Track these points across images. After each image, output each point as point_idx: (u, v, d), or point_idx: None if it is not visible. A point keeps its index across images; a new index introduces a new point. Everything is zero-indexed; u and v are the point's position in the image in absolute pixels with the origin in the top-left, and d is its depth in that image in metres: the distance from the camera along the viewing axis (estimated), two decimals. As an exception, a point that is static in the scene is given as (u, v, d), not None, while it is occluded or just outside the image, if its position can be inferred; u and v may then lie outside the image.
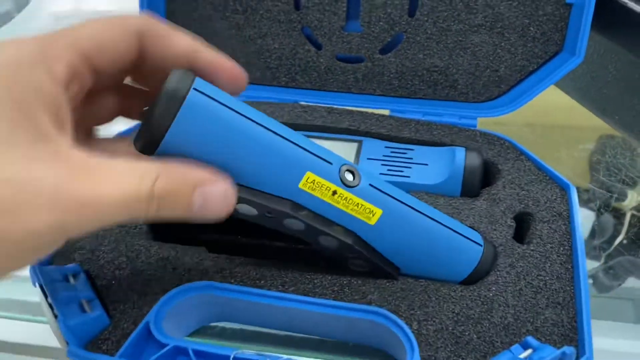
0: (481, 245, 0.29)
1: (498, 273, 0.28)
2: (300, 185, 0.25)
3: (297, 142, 0.25)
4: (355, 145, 0.36)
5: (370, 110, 0.40)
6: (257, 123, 0.24)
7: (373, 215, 0.26)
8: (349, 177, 0.26)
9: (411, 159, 0.35)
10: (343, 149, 0.36)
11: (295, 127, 0.38)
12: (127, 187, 0.20)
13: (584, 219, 0.44)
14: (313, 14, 0.41)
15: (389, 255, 0.28)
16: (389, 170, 0.34)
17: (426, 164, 0.34)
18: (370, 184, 0.26)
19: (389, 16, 0.40)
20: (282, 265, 0.28)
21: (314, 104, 0.40)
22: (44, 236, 0.19)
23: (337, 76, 0.42)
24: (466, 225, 0.30)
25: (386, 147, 0.36)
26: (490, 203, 0.32)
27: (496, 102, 0.40)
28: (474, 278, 0.28)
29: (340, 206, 0.26)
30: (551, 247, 0.29)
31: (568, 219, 0.31)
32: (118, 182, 0.20)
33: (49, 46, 0.21)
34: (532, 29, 0.39)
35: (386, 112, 0.40)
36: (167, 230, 0.31)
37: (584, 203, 0.45)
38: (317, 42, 0.42)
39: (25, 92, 0.19)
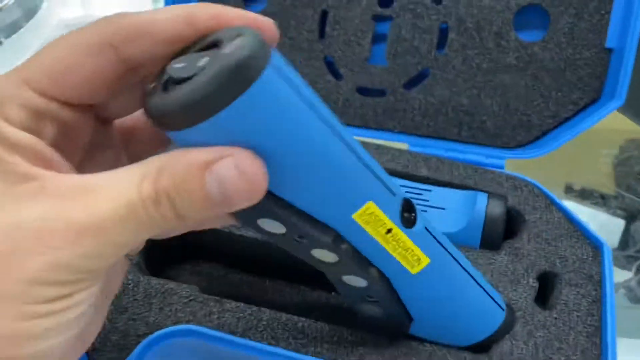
0: (504, 310, 0.26)
1: (514, 342, 0.25)
2: (355, 216, 0.20)
3: (366, 162, 0.20)
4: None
5: (387, 143, 0.37)
6: (332, 128, 0.18)
7: (418, 264, 0.22)
8: (408, 215, 0.22)
9: (427, 201, 0.32)
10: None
11: None
12: (126, 195, 0.17)
13: (613, 226, 0.42)
14: (337, 44, 0.40)
15: (412, 306, 0.24)
16: (403, 213, 0.32)
17: (443, 209, 0.32)
18: (425, 228, 0.23)
19: (416, 50, 0.38)
20: (275, 313, 0.26)
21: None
22: (45, 282, 0.16)
23: (356, 109, 0.40)
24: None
25: (400, 186, 0.33)
26: (512, 258, 0.29)
27: (528, 147, 0.37)
28: (486, 343, 0.25)
29: (388, 247, 0.22)
30: (577, 316, 0.26)
31: (599, 283, 0.28)
32: (115, 193, 0.17)
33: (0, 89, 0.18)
34: (568, 73, 0.36)
35: (404, 146, 0.38)
36: (160, 262, 0.29)
37: (612, 210, 0.42)
38: (338, 72, 0.40)
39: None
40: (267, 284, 0.31)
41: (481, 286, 0.25)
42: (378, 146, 0.36)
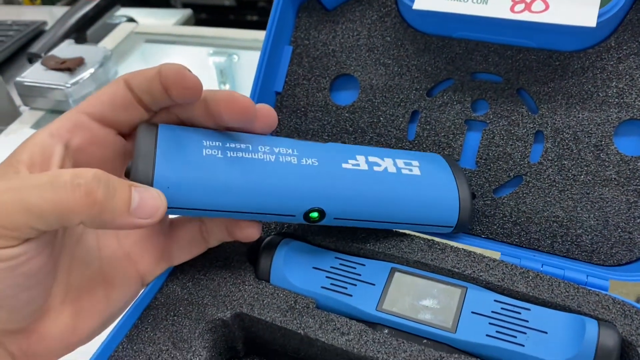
0: (453, 226, 0.34)
1: None
2: None
3: (260, 211, 0.28)
4: (458, 291, 0.32)
5: (478, 251, 0.35)
6: (234, 209, 0.28)
7: None
8: (314, 215, 0.30)
9: (527, 321, 0.30)
10: (443, 294, 0.32)
11: (387, 257, 0.35)
12: (55, 173, 0.23)
13: None
14: (426, 144, 0.39)
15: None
16: (497, 332, 0.29)
17: (545, 332, 0.29)
18: (335, 218, 0.31)
19: (508, 156, 0.38)
20: None
21: (414, 233, 0.37)
22: None
23: (444, 212, 0.38)
24: None
25: (495, 300, 0.31)
26: (626, 397, 0.26)
27: (628, 268, 0.35)
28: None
29: None
30: None
31: None
32: (49, 174, 0.23)
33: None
34: (675, 192, 0.34)
35: (497, 254, 0.36)
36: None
37: None
38: (426, 172, 0.39)
39: (23, 146, 0.26)
40: None
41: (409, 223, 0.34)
42: (469, 253, 0.34)
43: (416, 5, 0.36)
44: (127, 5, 1.10)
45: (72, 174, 0.22)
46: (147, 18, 1.06)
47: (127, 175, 0.27)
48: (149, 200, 0.24)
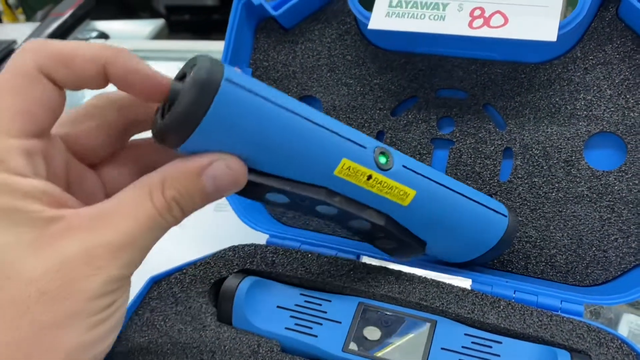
0: (506, 216, 0.31)
1: None
2: (336, 173, 0.25)
3: (332, 129, 0.24)
4: (426, 326, 0.31)
5: (448, 280, 0.34)
6: (292, 112, 0.23)
7: (407, 197, 0.27)
8: (382, 160, 0.26)
9: (498, 356, 0.29)
10: (411, 330, 0.30)
11: (354, 292, 0.33)
12: (144, 211, 0.21)
13: None
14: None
15: (419, 232, 0.29)
16: (469, 369, 0.28)
17: (517, 367, 0.28)
18: (403, 166, 0.27)
19: (477, 175, 0.36)
20: None
21: (380, 264, 0.35)
22: (100, 295, 0.21)
23: (413, 237, 0.37)
24: None
25: (466, 334, 0.30)
26: None
27: (604, 288, 0.33)
28: (498, 247, 0.31)
29: (374, 190, 0.26)
30: None
31: None
32: (133, 211, 0.21)
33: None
34: (649, 206, 0.33)
35: (467, 282, 0.35)
36: None
37: None
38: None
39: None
40: None
41: (474, 200, 0.29)
42: (438, 283, 0.33)
43: (372, 25, 0.35)
44: (109, 17, 1.07)
45: (165, 206, 0.22)
46: (119, 30, 1.04)
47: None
48: (223, 179, 0.22)
